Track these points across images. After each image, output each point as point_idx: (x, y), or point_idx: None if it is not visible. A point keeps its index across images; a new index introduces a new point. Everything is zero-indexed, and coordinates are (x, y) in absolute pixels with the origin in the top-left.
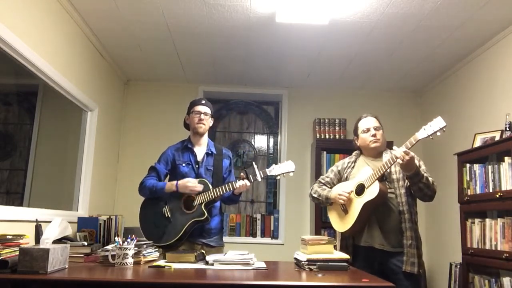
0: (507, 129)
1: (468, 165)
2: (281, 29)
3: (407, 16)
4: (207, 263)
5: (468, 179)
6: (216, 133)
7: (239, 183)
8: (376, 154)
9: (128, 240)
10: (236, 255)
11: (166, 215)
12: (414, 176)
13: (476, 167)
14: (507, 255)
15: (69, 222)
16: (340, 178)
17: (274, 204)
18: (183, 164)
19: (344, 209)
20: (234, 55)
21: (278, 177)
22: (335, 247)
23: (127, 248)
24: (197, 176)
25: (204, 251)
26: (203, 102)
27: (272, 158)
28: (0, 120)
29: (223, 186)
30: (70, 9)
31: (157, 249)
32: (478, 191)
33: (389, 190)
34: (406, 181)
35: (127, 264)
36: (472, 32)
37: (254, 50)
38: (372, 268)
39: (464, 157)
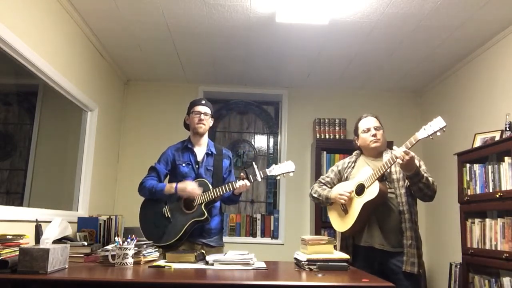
0: (507, 129)
1: (468, 165)
2: (281, 29)
3: (407, 16)
4: (207, 263)
5: (468, 179)
6: (216, 133)
7: (239, 183)
8: (377, 154)
9: (128, 240)
10: (236, 255)
11: (166, 215)
12: (414, 176)
13: (476, 167)
14: (507, 255)
15: (69, 222)
16: (341, 178)
17: (274, 204)
18: (183, 164)
19: (344, 209)
20: (234, 55)
21: (278, 177)
22: (335, 247)
23: (127, 248)
24: (197, 176)
25: (204, 251)
26: (203, 102)
27: (272, 158)
28: (0, 120)
29: (223, 186)
30: (70, 9)
31: (157, 249)
32: (478, 191)
33: (389, 190)
34: (406, 181)
35: (127, 264)
36: (472, 32)
37: (254, 50)
38: (372, 268)
39: (464, 157)
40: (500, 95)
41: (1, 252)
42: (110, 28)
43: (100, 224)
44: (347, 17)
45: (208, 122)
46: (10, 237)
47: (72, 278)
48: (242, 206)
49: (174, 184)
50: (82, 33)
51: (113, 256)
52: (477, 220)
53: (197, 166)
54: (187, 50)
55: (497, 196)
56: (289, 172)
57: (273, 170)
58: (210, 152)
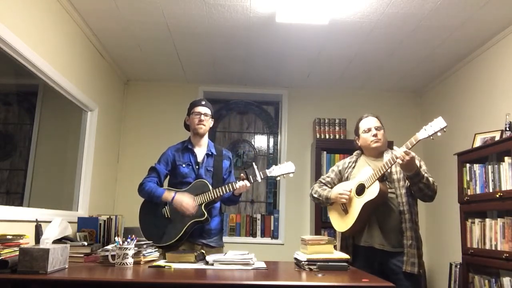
0: (507, 129)
1: (468, 165)
2: (281, 29)
3: (407, 16)
4: (207, 263)
5: (468, 179)
6: (216, 133)
7: (239, 183)
8: (377, 154)
9: (128, 240)
10: (236, 255)
11: (166, 216)
12: (415, 176)
13: (476, 167)
14: (507, 255)
15: (69, 222)
16: (341, 178)
17: (274, 204)
18: (183, 165)
19: (344, 209)
20: (234, 55)
21: (278, 178)
22: (335, 247)
23: (127, 248)
24: (197, 177)
25: (204, 251)
26: (203, 103)
27: (272, 158)
28: (0, 120)
29: (223, 187)
30: (70, 9)
31: (157, 249)
32: (478, 191)
33: (389, 190)
34: (407, 181)
35: (127, 264)
36: (472, 32)
37: (254, 50)
38: (372, 268)
39: (464, 157)
40: (500, 95)
41: (1, 252)
42: (110, 28)
43: (100, 224)
44: (347, 17)
45: (208, 122)
46: (10, 237)
47: (72, 278)
48: (242, 206)
49: (172, 193)
50: (82, 33)
51: (113, 256)
52: (477, 220)
53: (197, 166)
54: (187, 50)
55: (497, 196)
56: (289, 173)
57: (273, 171)
58: (210, 153)
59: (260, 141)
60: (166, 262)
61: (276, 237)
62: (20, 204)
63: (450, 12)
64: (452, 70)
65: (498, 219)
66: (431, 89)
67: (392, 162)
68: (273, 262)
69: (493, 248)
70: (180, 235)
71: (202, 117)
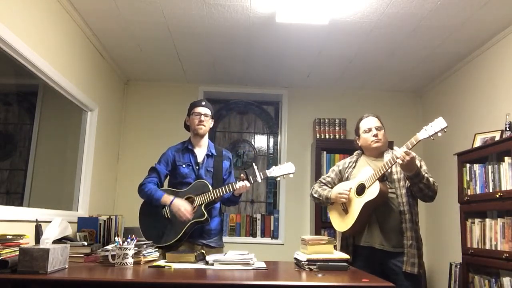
0: (507, 129)
1: (468, 165)
2: (281, 29)
3: (407, 16)
4: (207, 263)
5: (468, 179)
6: (216, 133)
7: (239, 184)
8: (378, 154)
9: (128, 240)
10: (236, 255)
11: (166, 216)
12: (415, 176)
13: (476, 167)
14: (507, 255)
15: (69, 222)
16: (341, 178)
17: (274, 204)
18: (184, 165)
19: (345, 208)
20: (234, 55)
21: (278, 179)
22: (335, 247)
23: (127, 248)
24: (197, 177)
25: (204, 251)
26: (203, 103)
27: (272, 158)
28: (0, 120)
29: (223, 187)
30: (70, 9)
31: (157, 249)
32: (478, 191)
33: (390, 190)
34: (407, 181)
35: (127, 264)
36: (472, 32)
37: (254, 50)
38: (372, 268)
39: (464, 157)
40: (500, 95)
41: (1, 252)
42: (110, 28)
43: (100, 224)
44: (347, 17)
45: (209, 123)
46: (10, 237)
47: (72, 278)
48: (242, 206)
49: (171, 198)
50: (82, 33)
51: (113, 256)
52: (477, 220)
53: (197, 167)
54: (187, 50)
55: (497, 196)
56: (289, 173)
57: (273, 171)
58: (210, 153)
59: (260, 141)
60: (166, 262)
61: (276, 237)
62: (20, 204)
63: (450, 12)
64: (452, 70)
65: (498, 219)
66: (431, 89)
67: (393, 162)
68: (273, 262)
69: (493, 248)
70: (180, 235)
71: (202, 117)
